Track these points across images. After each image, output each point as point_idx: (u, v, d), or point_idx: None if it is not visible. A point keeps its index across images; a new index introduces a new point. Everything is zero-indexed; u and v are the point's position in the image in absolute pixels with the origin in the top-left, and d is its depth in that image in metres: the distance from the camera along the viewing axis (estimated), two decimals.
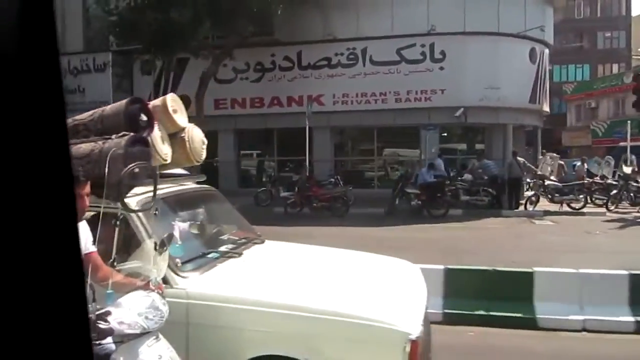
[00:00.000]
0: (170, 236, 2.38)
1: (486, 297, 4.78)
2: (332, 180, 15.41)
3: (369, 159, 18.68)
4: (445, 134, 18.95)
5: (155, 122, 2.67)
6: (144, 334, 2.12)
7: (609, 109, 39.16)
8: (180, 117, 2.89)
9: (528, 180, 16.44)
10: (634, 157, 15.49)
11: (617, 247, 9.17)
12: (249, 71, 18.32)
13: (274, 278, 2.99)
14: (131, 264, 2.28)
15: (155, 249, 2.28)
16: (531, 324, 4.75)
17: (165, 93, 16.23)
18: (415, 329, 2.49)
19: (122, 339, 2.08)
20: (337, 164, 18.37)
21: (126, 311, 2.07)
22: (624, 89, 37.67)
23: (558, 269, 5.07)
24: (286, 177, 16.64)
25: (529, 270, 4.95)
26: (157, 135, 2.67)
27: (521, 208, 14.47)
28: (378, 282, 3.17)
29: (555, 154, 17.27)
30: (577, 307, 4.75)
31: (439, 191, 13.69)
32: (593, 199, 14.98)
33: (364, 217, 13.23)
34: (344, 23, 17.25)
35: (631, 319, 4.65)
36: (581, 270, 4.93)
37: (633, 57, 47.91)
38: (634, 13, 52.57)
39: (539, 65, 18.28)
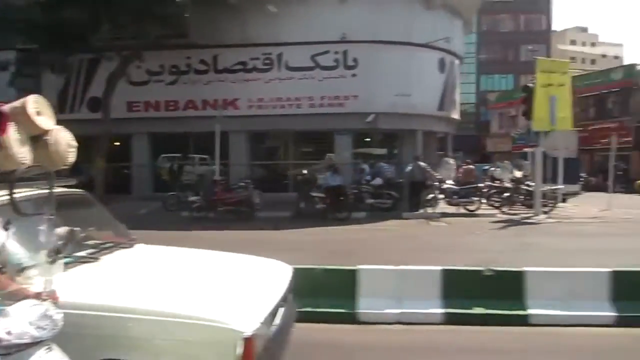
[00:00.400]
0: (64, 243, 2.34)
1: (312, 294, 4.99)
2: (243, 184, 15.45)
3: (285, 163, 18.90)
4: (369, 139, 19.59)
5: (12, 124, 2.59)
6: (36, 344, 1.99)
7: (520, 118, 41.53)
8: (45, 119, 2.82)
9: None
10: (526, 162, 16.56)
11: (485, 246, 9.81)
12: (163, 74, 18.11)
13: (120, 282, 2.92)
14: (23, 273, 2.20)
15: (48, 256, 2.21)
16: (352, 318, 5.04)
17: (75, 94, 15.77)
18: (250, 327, 2.46)
19: (10, 351, 1.95)
20: (253, 168, 18.45)
21: (15, 320, 1.97)
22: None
23: (380, 266, 5.40)
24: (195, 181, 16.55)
25: (354, 268, 5.26)
26: (13, 137, 2.60)
27: (429, 210, 15.09)
28: (227, 281, 3.18)
29: (451, 159, 18.15)
30: (395, 302, 5.10)
31: (342, 195, 14.07)
32: (491, 201, 15.87)
33: (269, 221, 13.37)
34: (260, 28, 17.42)
35: (441, 310, 5.05)
36: (400, 267, 5.29)
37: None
38: (553, 28, 56.26)
39: (447, 75, 19.20)
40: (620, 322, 4.95)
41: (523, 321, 5.01)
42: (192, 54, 17.89)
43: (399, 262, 5.74)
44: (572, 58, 70.76)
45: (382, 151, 19.66)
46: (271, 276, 3.45)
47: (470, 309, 5.08)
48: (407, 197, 15.03)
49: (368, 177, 15.93)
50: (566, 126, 14.71)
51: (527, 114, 14.66)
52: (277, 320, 3.06)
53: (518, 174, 15.78)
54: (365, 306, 5.08)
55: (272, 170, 19.13)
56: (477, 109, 48.95)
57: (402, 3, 17.67)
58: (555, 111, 13.99)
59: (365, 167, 16.54)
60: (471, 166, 20.39)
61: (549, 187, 15.44)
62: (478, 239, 10.87)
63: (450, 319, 5.03)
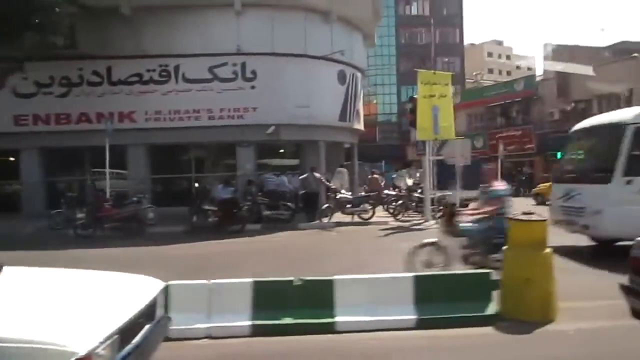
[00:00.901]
0: None
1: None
2: (136, 199, 14.99)
3: (185, 177, 18.56)
4: (282, 151, 19.64)
5: None
6: None
7: None
8: None
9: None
10: (417, 171, 17.25)
11: (354, 251, 10.17)
12: (53, 85, 17.27)
13: None
14: None
15: None
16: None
17: None
18: (85, 346, 2.45)
19: None
20: (153, 181, 17.94)
21: None
22: (456, 108, 42.17)
23: (192, 281, 5.38)
24: (80, 197, 15.89)
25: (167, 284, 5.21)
26: None
27: (325, 220, 15.32)
28: (77, 300, 3.12)
29: (344, 168, 18.60)
30: (204, 316, 5.09)
31: (235, 207, 14.00)
32: (389, 209, 16.38)
33: (160, 236, 13.04)
34: (155, 39, 17.08)
35: (248, 323, 5.09)
36: (213, 281, 5.29)
37: (467, 80, 53.95)
38: (466, 42, 59.35)
39: (348, 87, 19.66)
40: (422, 325, 5.20)
41: (331, 329, 5.15)
42: (84, 65, 17.21)
43: (256, 274, 5.77)
44: (490, 70, 75.34)
45: (291, 162, 19.77)
46: (129, 293, 3.42)
47: (280, 319, 5.15)
48: (303, 208, 15.22)
49: (290, 187, 15.99)
50: (449, 135, 15.49)
51: (414, 124, 15.30)
52: (138, 337, 3.06)
53: (409, 181, 16.40)
54: (176, 322, 5.02)
55: (173, 183, 18.71)
56: (399, 118, 50.55)
57: (300, 16, 17.94)
58: (438, 121, 14.71)
59: (284, 178, 16.52)
60: (376, 175, 20.98)
61: (440, 194, 16.17)
62: (353, 246, 11.17)
63: (259, 331, 5.08)
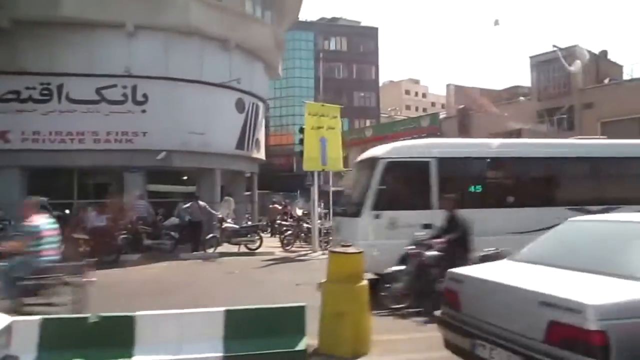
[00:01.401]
0: None
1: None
2: (1, 226, 13.70)
3: (66, 203, 17.31)
4: (185, 178, 18.91)
5: None
6: None
7: (355, 157, 44.50)
8: None
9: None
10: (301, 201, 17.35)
11: (216, 284, 9.83)
12: None
13: None
14: None
15: None
16: None
17: None
18: None
19: None
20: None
21: None
22: (366, 141, 43.52)
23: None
24: None
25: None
26: None
27: (209, 250, 14.79)
28: None
29: (230, 197, 18.38)
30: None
31: (108, 236, 13.18)
32: (281, 238, 16.18)
33: None
34: (37, 56, 16.07)
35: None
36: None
37: (381, 114, 56.04)
38: (382, 81, 62.03)
39: (248, 115, 19.55)
40: None
41: None
42: None
43: (99, 309, 5.28)
44: (407, 106, 78.93)
45: (187, 189, 19.11)
46: None
47: None
48: (187, 237, 14.66)
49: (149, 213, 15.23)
50: (337, 167, 15.76)
51: (302, 155, 15.40)
52: None
53: (299, 212, 16.39)
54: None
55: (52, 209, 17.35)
56: None
57: (196, 42, 17.73)
58: (326, 152, 14.91)
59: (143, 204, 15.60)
60: (277, 205, 20.87)
61: (328, 224, 16.28)
62: (224, 277, 10.83)
63: None
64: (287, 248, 15.41)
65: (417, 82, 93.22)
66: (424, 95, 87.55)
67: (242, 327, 5.14)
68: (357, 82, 54.67)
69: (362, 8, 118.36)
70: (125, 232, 13.64)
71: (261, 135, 21.45)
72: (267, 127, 54.58)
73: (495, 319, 3.58)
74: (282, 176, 48.50)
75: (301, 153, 15.36)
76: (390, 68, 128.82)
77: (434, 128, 37.46)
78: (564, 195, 9.66)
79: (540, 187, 9.94)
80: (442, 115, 37.86)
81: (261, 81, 21.15)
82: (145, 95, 16.86)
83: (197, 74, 17.67)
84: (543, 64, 30.96)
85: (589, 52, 30.35)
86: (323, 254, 14.72)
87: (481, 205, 8.95)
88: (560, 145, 10.45)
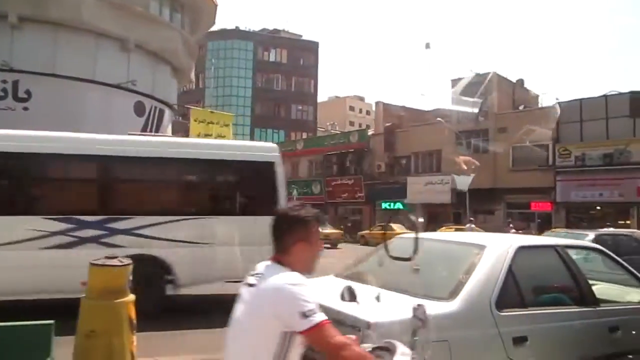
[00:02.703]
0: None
1: None
2: None
3: None
4: None
5: None
6: None
7: (287, 170, 44.28)
8: None
9: None
10: None
11: None
12: None
13: None
14: None
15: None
16: None
17: None
18: None
19: None
20: None
21: None
22: (298, 154, 43.45)
23: None
24: None
25: None
26: None
27: None
28: None
29: None
30: None
31: None
32: None
33: None
34: None
35: None
36: None
37: (318, 128, 56.22)
38: (327, 95, 62.45)
39: (148, 120, 18.75)
40: None
41: None
42: None
43: None
44: (352, 122, 79.81)
45: None
46: None
47: None
48: None
49: None
50: None
51: None
52: None
53: None
54: None
55: None
56: None
57: (90, 39, 16.88)
58: None
59: None
60: None
61: None
62: None
63: None
64: None
65: (362, 99, 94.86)
66: (367, 112, 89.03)
67: None
68: (296, 95, 54.72)
69: (309, 24, 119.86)
70: None
71: None
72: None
73: None
74: None
75: None
76: (337, 84, 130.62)
77: (362, 144, 37.93)
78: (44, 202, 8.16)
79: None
80: (370, 132, 38.32)
81: (166, 85, 20.43)
82: (28, 92, 15.77)
83: (89, 73, 16.78)
84: (462, 88, 31.99)
85: (505, 78, 31.70)
86: None
87: None
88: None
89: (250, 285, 1.91)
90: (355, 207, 38.31)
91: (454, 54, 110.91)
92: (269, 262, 1.94)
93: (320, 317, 1.73)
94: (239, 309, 1.91)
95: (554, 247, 4.01)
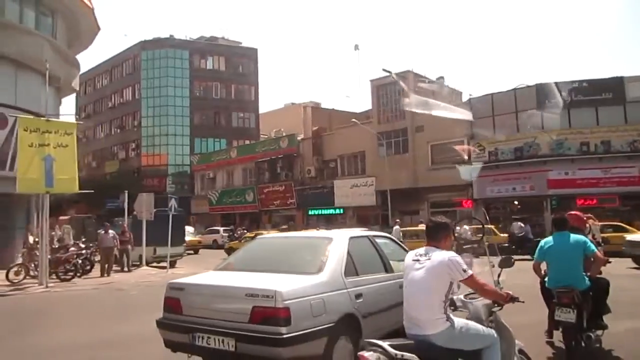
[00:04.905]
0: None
1: None
2: None
3: None
4: None
5: None
6: None
7: (223, 179, 43.17)
8: None
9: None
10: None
11: None
12: None
13: None
14: None
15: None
16: None
17: None
18: None
19: None
20: None
21: None
22: (233, 162, 42.42)
23: None
24: None
25: None
26: None
27: None
28: None
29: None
30: None
31: None
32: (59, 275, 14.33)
33: None
34: None
35: None
36: None
37: (262, 135, 55.21)
38: (276, 105, 61.15)
39: (14, 132, 17.51)
40: None
41: None
42: None
43: None
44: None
45: None
46: None
47: None
48: None
49: None
50: (70, 189, 14.20)
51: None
52: None
53: (31, 238, 14.63)
54: None
55: None
56: (191, 170, 49.14)
57: None
58: (52, 173, 13.31)
59: None
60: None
61: (72, 252, 14.69)
62: None
63: None
64: (13, 280, 13.50)
65: (318, 104, 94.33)
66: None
67: None
68: (236, 103, 53.65)
69: (253, 31, 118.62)
70: None
71: None
72: (137, 148, 52.04)
73: (212, 314, 4.46)
74: (157, 198, 45.83)
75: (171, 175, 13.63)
76: (294, 90, 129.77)
77: (292, 149, 37.16)
78: None
79: None
80: (299, 137, 37.57)
81: (37, 95, 19.16)
82: None
83: None
84: (382, 88, 31.60)
85: (424, 77, 31.40)
86: (47, 289, 13.02)
87: None
88: None
89: (418, 260, 3.40)
90: (288, 214, 37.44)
91: (383, 54, 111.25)
92: (426, 247, 3.45)
93: (470, 271, 3.30)
94: (414, 274, 3.36)
95: (367, 237, 6.00)
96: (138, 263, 18.10)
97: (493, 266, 3.84)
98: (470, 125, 27.50)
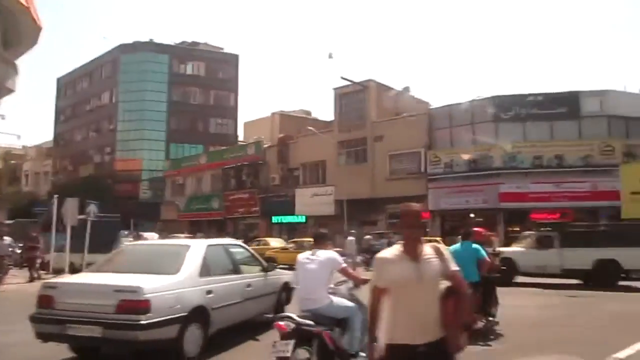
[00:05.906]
0: None
1: None
2: None
3: None
4: None
5: None
6: None
7: (192, 185, 42.67)
8: None
9: None
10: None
11: None
12: None
13: None
14: None
15: None
16: None
17: None
18: None
19: None
20: None
21: None
22: (202, 169, 41.97)
23: None
24: None
25: None
26: None
27: None
28: None
29: None
30: None
31: None
32: None
33: None
34: None
35: None
36: None
37: (239, 142, 54.81)
38: (277, 109, 60.04)
39: None
40: None
41: None
42: None
43: None
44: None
45: None
46: None
47: None
48: None
49: None
50: None
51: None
52: None
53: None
54: None
55: None
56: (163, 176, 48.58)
57: None
58: None
59: None
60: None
61: None
62: None
63: None
64: None
65: (308, 113, 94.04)
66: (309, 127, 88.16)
67: None
68: (215, 109, 53.32)
69: (235, 37, 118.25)
70: None
71: None
72: (112, 152, 51.56)
73: (83, 307, 5.27)
74: (130, 203, 45.37)
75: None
76: (285, 99, 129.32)
77: (257, 157, 36.72)
78: None
79: None
80: (266, 145, 37.12)
81: None
82: None
83: None
84: (344, 96, 31.24)
85: (387, 86, 31.06)
86: None
87: None
88: None
89: (309, 257, 5.00)
90: (252, 222, 36.91)
91: (362, 63, 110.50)
92: (314, 249, 5.09)
93: (344, 264, 5.04)
94: (308, 267, 4.92)
95: (222, 245, 7.47)
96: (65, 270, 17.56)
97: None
98: (428, 135, 27.11)
